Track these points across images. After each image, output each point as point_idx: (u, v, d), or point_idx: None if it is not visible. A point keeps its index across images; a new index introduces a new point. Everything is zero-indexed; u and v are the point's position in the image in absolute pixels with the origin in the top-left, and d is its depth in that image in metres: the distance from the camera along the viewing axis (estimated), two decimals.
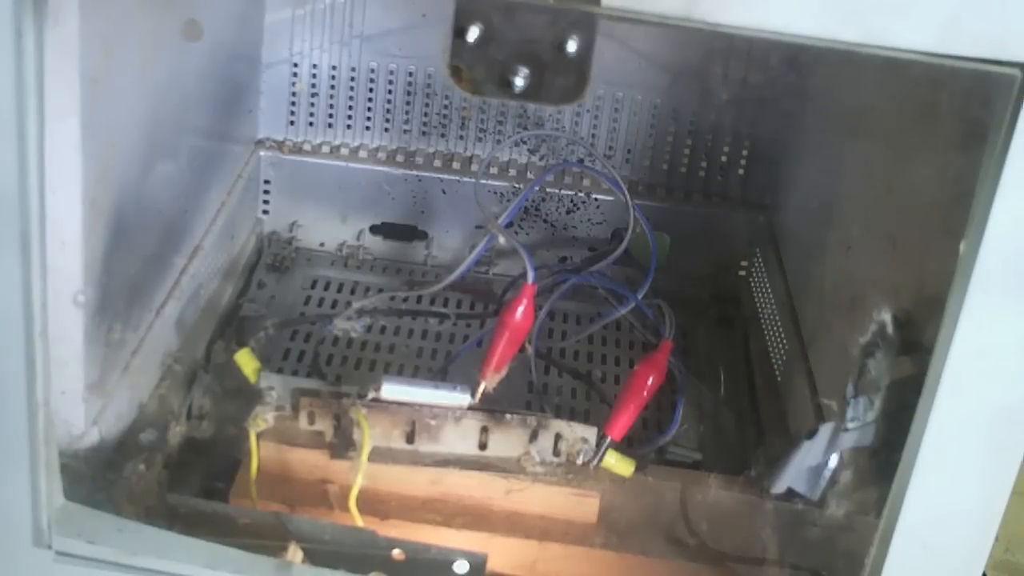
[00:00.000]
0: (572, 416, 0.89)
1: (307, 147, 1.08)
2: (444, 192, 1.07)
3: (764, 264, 1.03)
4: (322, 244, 1.09)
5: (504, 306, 0.81)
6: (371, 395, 0.74)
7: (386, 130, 1.08)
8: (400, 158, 1.08)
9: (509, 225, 1.04)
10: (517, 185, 1.05)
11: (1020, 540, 0.99)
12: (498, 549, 0.72)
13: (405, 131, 1.08)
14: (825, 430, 0.68)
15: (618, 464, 0.76)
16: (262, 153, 1.06)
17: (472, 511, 0.75)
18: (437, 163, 1.07)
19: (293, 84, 1.06)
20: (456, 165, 1.07)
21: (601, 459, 0.76)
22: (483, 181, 1.05)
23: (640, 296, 0.90)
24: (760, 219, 1.06)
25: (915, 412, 0.58)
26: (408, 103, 1.07)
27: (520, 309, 0.79)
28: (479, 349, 0.93)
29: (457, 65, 0.57)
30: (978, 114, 0.54)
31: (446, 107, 1.07)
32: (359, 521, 0.69)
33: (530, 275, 0.79)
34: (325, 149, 1.08)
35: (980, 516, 0.60)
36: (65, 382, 0.67)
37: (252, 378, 0.76)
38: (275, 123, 1.08)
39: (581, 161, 1.08)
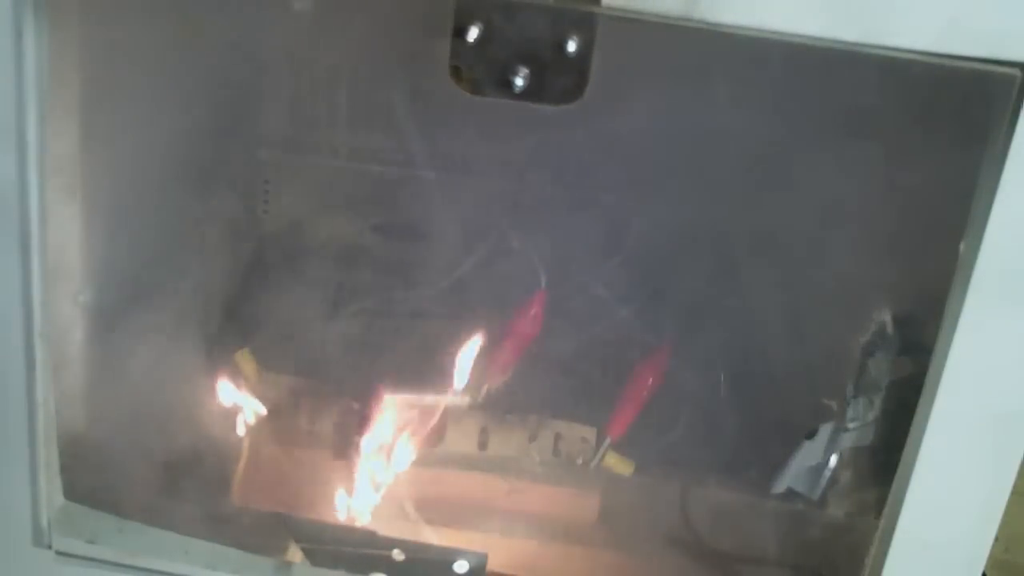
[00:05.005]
0: (572, 416, 0.89)
1: (307, 147, 1.08)
2: (444, 192, 1.07)
3: (764, 263, 1.03)
4: (322, 244, 1.09)
5: (515, 310, 0.81)
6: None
7: (386, 130, 1.08)
8: (400, 158, 1.07)
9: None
10: None
11: (1020, 540, 0.99)
12: (498, 549, 0.72)
13: (405, 131, 1.08)
14: (825, 430, 0.68)
15: (618, 464, 0.76)
16: (262, 153, 1.06)
17: (472, 511, 0.75)
18: (437, 163, 1.07)
19: (293, 84, 1.06)
20: (456, 165, 1.07)
21: (601, 459, 0.76)
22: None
23: None
24: (761, 218, 1.06)
25: (915, 412, 0.58)
26: (408, 103, 1.07)
27: (531, 314, 0.79)
28: (479, 349, 0.93)
29: (457, 65, 0.57)
30: (977, 114, 0.54)
31: (446, 107, 1.07)
32: None
33: (542, 281, 0.79)
34: (325, 149, 1.08)
35: (980, 516, 0.60)
36: (65, 382, 0.67)
37: (252, 378, 0.76)
38: (275, 123, 1.07)
39: None
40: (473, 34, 0.55)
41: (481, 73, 0.57)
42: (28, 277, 0.58)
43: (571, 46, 0.55)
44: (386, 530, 0.70)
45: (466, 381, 0.77)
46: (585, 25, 0.55)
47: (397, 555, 0.66)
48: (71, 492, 0.65)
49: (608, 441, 0.76)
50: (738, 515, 0.75)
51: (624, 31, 0.54)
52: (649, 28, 0.53)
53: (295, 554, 0.66)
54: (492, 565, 0.68)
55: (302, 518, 0.68)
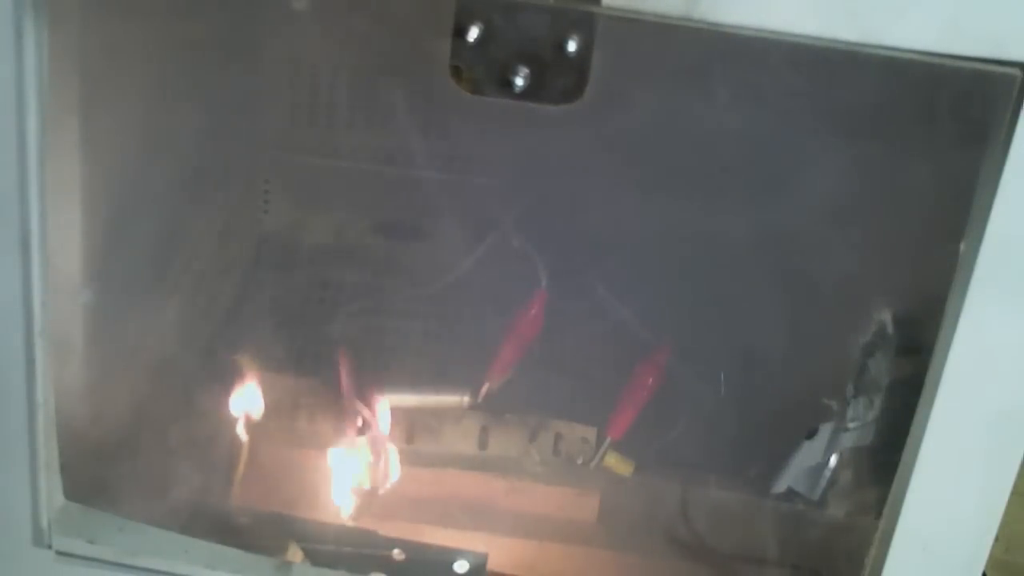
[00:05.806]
0: (572, 416, 0.89)
1: (307, 147, 1.08)
2: (444, 192, 1.07)
3: (764, 263, 1.03)
4: (322, 244, 1.09)
5: (516, 310, 0.81)
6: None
7: (387, 130, 1.08)
8: (400, 158, 1.07)
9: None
10: None
11: (1020, 540, 0.99)
12: (498, 549, 0.72)
13: (405, 131, 1.08)
14: (825, 430, 0.68)
15: (618, 464, 0.76)
16: (262, 153, 1.06)
17: (472, 511, 0.75)
18: (437, 163, 1.07)
19: (293, 84, 1.06)
20: (456, 165, 1.07)
21: (601, 459, 0.76)
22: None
23: None
24: (760, 218, 1.06)
25: (915, 412, 0.58)
26: (408, 103, 1.07)
27: (531, 314, 0.79)
28: (479, 349, 0.93)
29: (457, 65, 0.57)
30: (977, 114, 0.54)
31: (446, 107, 1.07)
32: None
33: (543, 281, 0.79)
34: (325, 149, 1.08)
35: (980, 516, 0.60)
36: (65, 382, 0.67)
37: (252, 379, 0.76)
38: (275, 123, 1.07)
39: None
40: (473, 34, 0.55)
41: (481, 73, 0.57)
42: (28, 277, 0.58)
43: (571, 46, 0.55)
44: (386, 530, 0.70)
45: (466, 381, 0.77)
46: (585, 25, 0.55)
47: (397, 555, 0.66)
48: (71, 492, 0.64)
49: (608, 441, 0.76)
50: (738, 515, 0.75)
51: (624, 31, 0.54)
52: (649, 28, 0.53)
53: (295, 554, 0.66)
54: (492, 565, 0.68)
55: (302, 518, 0.68)
